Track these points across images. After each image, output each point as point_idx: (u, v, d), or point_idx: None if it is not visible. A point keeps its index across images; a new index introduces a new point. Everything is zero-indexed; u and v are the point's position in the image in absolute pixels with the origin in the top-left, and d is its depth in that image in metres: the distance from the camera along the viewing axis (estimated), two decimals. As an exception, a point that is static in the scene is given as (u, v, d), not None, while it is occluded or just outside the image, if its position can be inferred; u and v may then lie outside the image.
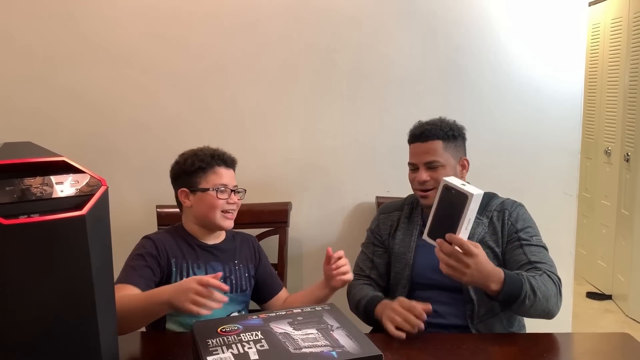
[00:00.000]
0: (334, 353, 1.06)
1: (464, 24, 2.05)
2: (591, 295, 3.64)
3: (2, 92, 2.06)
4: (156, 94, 2.07)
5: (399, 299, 1.42)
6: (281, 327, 1.17)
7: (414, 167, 1.61)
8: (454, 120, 1.64)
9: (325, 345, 1.09)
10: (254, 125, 2.10)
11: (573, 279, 2.14)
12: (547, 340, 1.41)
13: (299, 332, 1.14)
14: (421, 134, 1.58)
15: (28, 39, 2.05)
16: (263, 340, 1.12)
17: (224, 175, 1.55)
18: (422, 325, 1.33)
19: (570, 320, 2.13)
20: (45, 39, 2.04)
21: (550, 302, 1.40)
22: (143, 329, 1.51)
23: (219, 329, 1.17)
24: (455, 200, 1.24)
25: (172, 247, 1.52)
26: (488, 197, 1.63)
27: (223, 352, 1.07)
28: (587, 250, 3.86)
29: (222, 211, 1.54)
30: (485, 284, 1.31)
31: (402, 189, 1.99)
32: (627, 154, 3.34)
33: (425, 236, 1.31)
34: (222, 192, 1.53)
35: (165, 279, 1.49)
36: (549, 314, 1.43)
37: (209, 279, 1.17)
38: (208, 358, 1.05)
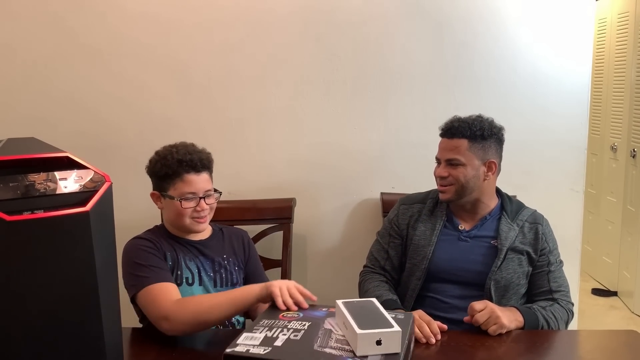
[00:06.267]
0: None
1: (469, 20, 2.03)
2: (597, 291, 3.63)
3: (4, 91, 2.05)
4: (161, 91, 2.07)
5: (419, 311, 1.41)
6: (332, 324, 1.18)
7: (438, 162, 1.60)
8: (492, 120, 1.60)
9: (349, 352, 1.07)
10: (258, 122, 2.09)
11: (579, 275, 2.13)
12: (554, 338, 1.40)
13: (339, 333, 1.15)
14: (448, 130, 1.57)
15: (30, 38, 2.04)
16: (302, 331, 1.14)
17: (193, 182, 1.46)
18: (433, 340, 1.32)
19: (576, 317, 2.11)
20: (46, 39, 2.04)
21: (560, 325, 1.49)
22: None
23: (281, 314, 1.22)
24: (362, 304, 1.20)
25: (163, 244, 1.49)
26: (517, 206, 1.63)
27: (259, 333, 1.12)
28: (592, 247, 3.85)
29: (191, 217, 1.49)
30: (515, 317, 1.41)
31: (407, 186, 1.99)
32: (634, 149, 3.32)
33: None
34: (188, 200, 1.46)
35: None
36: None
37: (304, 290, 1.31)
38: (244, 333, 1.11)
